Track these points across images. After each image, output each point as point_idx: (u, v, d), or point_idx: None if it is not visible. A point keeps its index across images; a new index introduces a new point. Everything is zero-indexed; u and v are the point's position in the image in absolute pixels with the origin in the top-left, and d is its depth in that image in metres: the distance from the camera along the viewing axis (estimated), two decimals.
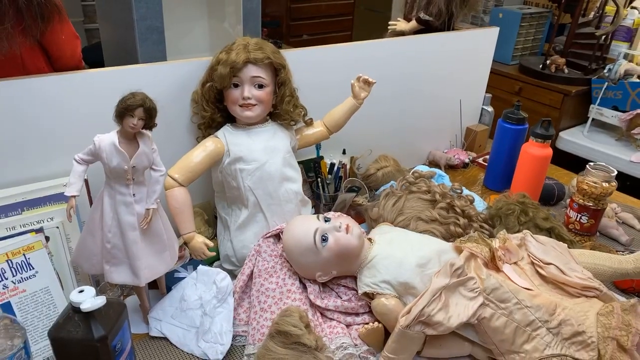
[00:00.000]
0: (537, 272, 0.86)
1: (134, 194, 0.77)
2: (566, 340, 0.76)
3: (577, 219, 1.17)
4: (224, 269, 1.00)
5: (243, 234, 0.96)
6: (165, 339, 0.86)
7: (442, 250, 0.84)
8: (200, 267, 0.92)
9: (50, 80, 0.85)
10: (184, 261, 1.00)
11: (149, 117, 0.74)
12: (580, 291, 0.83)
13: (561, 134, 2.18)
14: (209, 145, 0.93)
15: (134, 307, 0.91)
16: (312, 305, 0.82)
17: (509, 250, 0.87)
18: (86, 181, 0.89)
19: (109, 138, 0.73)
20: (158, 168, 0.79)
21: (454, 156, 1.55)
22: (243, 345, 0.84)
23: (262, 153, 0.94)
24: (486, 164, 1.50)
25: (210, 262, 1.04)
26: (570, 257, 0.88)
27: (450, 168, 1.56)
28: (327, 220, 0.84)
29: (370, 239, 0.88)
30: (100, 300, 0.64)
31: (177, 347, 0.85)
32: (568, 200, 1.32)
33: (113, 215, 0.77)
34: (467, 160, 1.57)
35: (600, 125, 2.19)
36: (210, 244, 0.91)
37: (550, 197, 1.34)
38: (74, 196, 0.75)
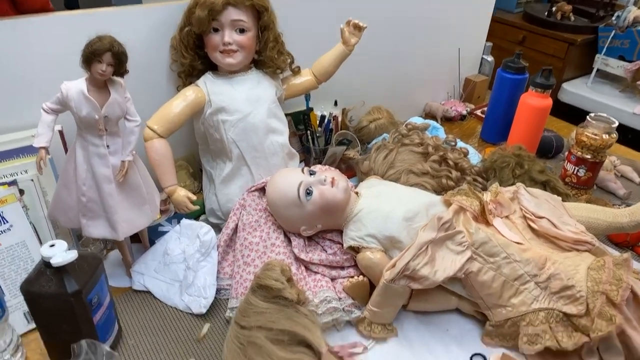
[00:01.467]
0: (529, 225, 0.83)
1: (108, 145, 0.74)
2: (554, 294, 0.74)
3: (575, 172, 1.14)
4: (210, 223, 0.98)
5: (228, 188, 0.93)
6: (149, 292, 0.85)
7: (430, 203, 0.81)
8: (184, 221, 0.89)
9: (14, 23, 0.80)
10: (168, 215, 0.98)
11: (119, 62, 0.69)
12: (572, 245, 0.80)
13: (564, 85, 2.11)
14: (189, 95, 0.89)
15: (117, 260, 0.89)
16: (297, 259, 0.80)
17: (500, 204, 0.84)
18: (61, 132, 0.85)
19: (76, 86, 0.69)
20: (132, 118, 0.75)
21: (451, 108, 1.50)
22: (227, 299, 0.83)
23: (245, 103, 0.90)
24: (484, 116, 1.45)
25: (196, 216, 1.02)
26: (564, 210, 0.85)
27: (447, 120, 1.51)
28: (312, 173, 0.81)
29: (357, 193, 0.85)
30: (72, 255, 0.62)
31: (160, 301, 0.84)
32: (566, 153, 1.29)
33: (87, 167, 0.74)
34: (464, 113, 1.52)
35: (605, 77, 2.11)
36: (193, 197, 0.88)
37: (548, 149, 1.31)
38: (44, 147, 0.71)
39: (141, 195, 0.80)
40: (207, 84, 0.90)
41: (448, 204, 0.80)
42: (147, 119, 0.87)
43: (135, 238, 0.90)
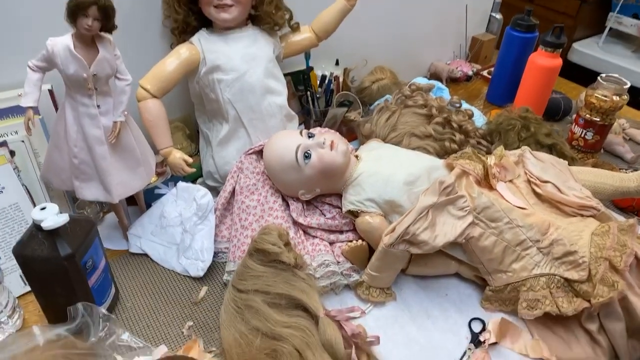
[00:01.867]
0: (533, 190, 0.81)
1: (98, 105, 0.71)
2: (556, 259, 0.73)
3: (582, 135, 1.11)
4: (207, 186, 0.96)
5: (225, 150, 0.91)
6: (146, 255, 0.84)
7: (432, 167, 0.79)
8: (180, 184, 0.88)
9: None
10: (165, 177, 0.96)
11: (106, 17, 0.65)
12: (576, 210, 0.78)
13: (574, 45, 2.04)
14: (182, 53, 0.85)
15: (114, 223, 0.89)
16: (295, 223, 0.79)
17: (504, 168, 0.81)
18: (50, 91, 0.82)
19: (62, 42, 0.66)
20: (123, 77, 0.72)
21: (457, 68, 1.45)
22: (225, 262, 0.82)
23: (241, 62, 0.86)
24: (490, 77, 1.40)
25: (193, 179, 1.00)
26: (570, 174, 0.83)
27: (452, 81, 1.47)
28: (310, 136, 0.78)
29: (357, 156, 0.82)
30: (63, 218, 0.61)
31: (158, 264, 0.83)
32: (574, 116, 1.25)
33: (77, 128, 0.71)
34: (470, 73, 1.47)
35: (617, 36, 2.04)
36: (189, 159, 0.86)
37: (556, 111, 1.27)
38: (31, 107, 0.69)
39: (135, 157, 0.78)
40: (202, 41, 0.86)
41: (450, 167, 0.78)
42: (140, 78, 0.84)
43: (131, 201, 0.88)
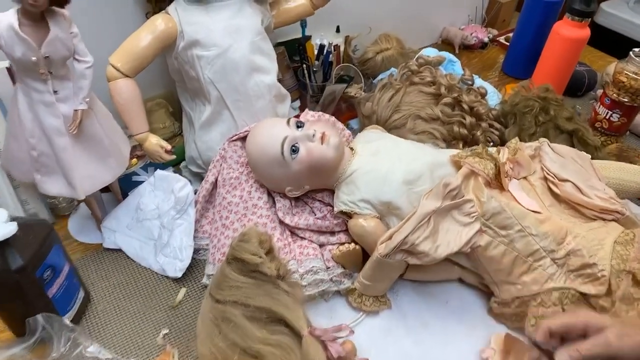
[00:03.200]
0: (550, 189, 0.72)
1: (55, 91, 0.62)
2: (572, 272, 0.65)
3: (607, 117, 1.00)
4: (190, 172, 0.89)
5: (208, 134, 0.82)
6: (122, 251, 0.78)
7: (436, 163, 0.69)
8: (158, 172, 0.80)
9: None
10: (145, 161, 0.88)
11: None
12: (597, 214, 0.70)
13: (602, 5, 1.86)
14: (158, 25, 0.74)
15: (88, 213, 0.81)
16: (281, 222, 0.71)
17: (519, 163, 0.72)
18: (9, 69, 0.73)
19: (5, 20, 0.56)
20: (82, 58, 0.63)
21: (471, 34, 1.32)
22: (206, 260, 0.76)
23: (223, 35, 0.76)
24: (508, 44, 1.27)
25: (176, 163, 0.92)
26: (593, 171, 0.74)
27: (465, 48, 1.34)
28: (299, 125, 0.69)
29: (352, 149, 0.73)
30: (10, 228, 0.53)
31: (133, 261, 0.77)
32: (599, 92, 1.13)
33: (32, 117, 0.63)
34: (486, 40, 1.34)
35: None
36: (167, 146, 0.77)
37: (579, 86, 1.15)
38: None
39: (103, 147, 0.70)
40: (179, 10, 0.75)
41: (457, 165, 0.69)
42: (111, 54, 0.74)
43: (107, 188, 0.81)
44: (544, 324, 0.56)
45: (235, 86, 0.78)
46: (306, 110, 0.80)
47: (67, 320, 0.62)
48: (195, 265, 0.76)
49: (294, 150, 0.67)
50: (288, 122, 0.69)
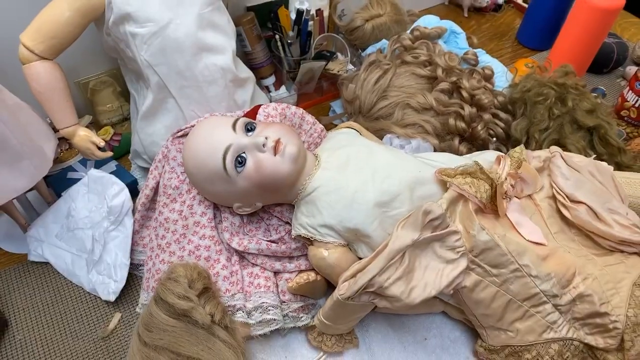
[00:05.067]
0: (559, 210, 0.58)
1: None
2: (578, 320, 0.53)
3: (636, 104, 0.85)
4: (137, 167, 0.76)
5: (151, 126, 0.69)
6: (50, 264, 0.67)
7: (418, 180, 0.55)
8: (92, 172, 0.67)
9: None
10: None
11: None
12: (616, 245, 0.57)
13: None
14: None
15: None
16: (229, 246, 0.59)
17: (522, 179, 0.58)
18: None
19: None
20: None
21: None
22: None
23: (160, 8, 0.61)
24: (526, 7, 1.09)
25: (123, 154, 0.79)
26: (615, 189, 0.60)
27: (476, 11, 1.16)
28: (249, 129, 0.55)
29: (316, 156, 0.59)
30: None
31: (63, 277, 0.66)
32: (629, 69, 0.97)
33: None
34: (500, 1, 1.15)
35: None
36: (100, 142, 0.65)
37: (605, 62, 0.98)
38: None
39: (11, 149, 0.57)
40: None
41: (444, 184, 0.55)
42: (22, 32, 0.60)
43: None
44: None
45: (179, 70, 0.64)
46: (266, 104, 0.65)
47: None
48: (134, 285, 0.65)
49: (240, 162, 0.54)
50: (235, 124, 0.55)
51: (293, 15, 0.86)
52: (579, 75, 0.88)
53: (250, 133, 0.55)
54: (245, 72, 0.72)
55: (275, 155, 0.53)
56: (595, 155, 0.66)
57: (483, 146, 0.76)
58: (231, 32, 0.68)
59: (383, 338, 0.60)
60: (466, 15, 1.15)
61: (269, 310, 0.56)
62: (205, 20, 0.63)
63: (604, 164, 0.61)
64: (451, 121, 0.73)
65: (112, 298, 0.62)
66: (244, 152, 0.54)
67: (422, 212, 0.51)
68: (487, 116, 0.75)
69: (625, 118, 0.87)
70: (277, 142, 0.54)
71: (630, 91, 0.85)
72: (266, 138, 0.54)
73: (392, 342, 0.60)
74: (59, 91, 0.62)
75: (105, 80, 0.80)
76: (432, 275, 0.51)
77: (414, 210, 0.52)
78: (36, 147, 0.60)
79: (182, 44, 0.62)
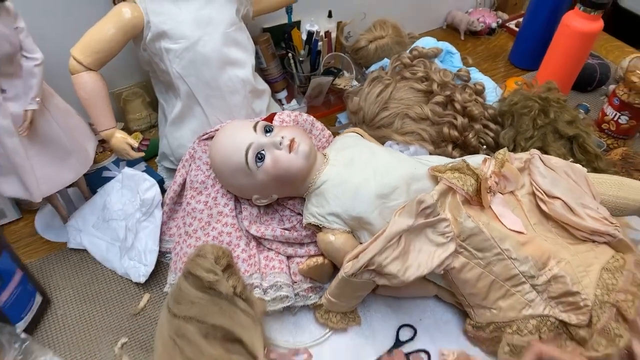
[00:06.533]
0: (538, 205, 0.66)
1: (2, 90, 0.58)
2: (553, 299, 0.60)
3: (615, 118, 0.93)
4: (163, 168, 0.85)
5: (179, 130, 0.78)
6: (87, 251, 0.75)
7: (413, 177, 0.64)
8: (126, 171, 0.76)
9: None
10: (116, 156, 0.85)
11: None
12: (588, 235, 0.64)
13: None
14: (124, 14, 0.69)
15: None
16: (247, 232, 0.67)
17: (505, 177, 0.66)
18: None
19: None
20: (30, 55, 0.59)
21: (478, 20, 1.23)
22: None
23: (192, 27, 0.70)
24: (518, 30, 1.19)
25: (150, 157, 0.88)
26: (587, 187, 0.68)
27: (471, 35, 1.26)
28: (268, 130, 0.64)
29: (325, 155, 0.68)
30: None
31: (99, 263, 0.74)
32: (611, 87, 1.05)
33: None
34: (494, 25, 1.26)
35: None
36: (134, 142, 0.73)
37: (589, 81, 1.07)
38: None
39: (62, 146, 0.66)
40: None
41: (436, 179, 0.63)
42: (73, 46, 0.69)
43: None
44: (535, 347, 0.54)
45: (206, 81, 0.73)
46: (281, 111, 0.74)
47: (19, 329, 0.60)
48: (161, 270, 0.73)
49: (260, 158, 0.62)
50: (255, 126, 0.64)
51: (304, 36, 0.96)
52: (564, 92, 0.97)
53: (268, 134, 0.64)
54: (262, 85, 0.82)
55: (290, 152, 0.62)
56: (572, 159, 0.74)
57: (474, 153, 0.84)
58: (251, 48, 0.78)
59: (382, 317, 0.68)
60: (462, 38, 1.24)
61: (282, 288, 0.64)
62: (229, 38, 0.73)
63: (578, 165, 0.69)
64: (445, 130, 0.82)
65: (142, 280, 0.70)
66: (264, 150, 0.63)
67: (416, 202, 0.59)
68: (477, 126, 0.84)
69: (606, 131, 0.95)
70: (292, 141, 0.63)
71: (610, 106, 0.93)
72: (282, 138, 0.63)
73: (391, 321, 0.68)
74: (101, 98, 0.71)
75: (136, 91, 0.90)
76: (424, 257, 0.59)
77: (408, 203, 0.61)
78: (81, 146, 0.70)
79: (209, 58, 0.72)
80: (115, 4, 0.75)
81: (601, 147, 0.93)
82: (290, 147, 0.62)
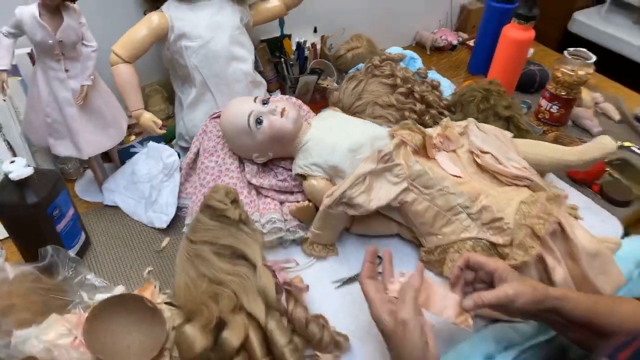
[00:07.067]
0: (474, 160, 0.86)
1: (67, 70, 0.78)
2: (484, 225, 0.78)
3: (548, 108, 1.14)
4: (179, 147, 1.04)
5: (193, 113, 0.98)
6: (119, 207, 0.93)
7: (377, 136, 0.84)
8: (151, 144, 0.95)
9: None
10: (141, 137, 1.04)
11: None
12: (512, 180, 0.83)
13: (575, 14, 1.99)
14: (153, 20, 0.90)
15: (93, 178, 0.97)
16: (249, 183, 0.86)
17: (448, 138, 0.86)
18: (30, 54, 0.89)
19: (29, 10, 0.72)
20: (89, 43, 0.78)
21: (441, 37, 1.46)
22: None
23: (206, 29, 0.91)
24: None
25: (168, 140, 1.07)
26: (512, 146, 0.87)
27: (436, 50, 1.48)
28: (265, 103, 0.84)
29: (310, 124, 0.88)
30: (28, 170, 0.69)
31: (128, 216, 0.92)
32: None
33: (49, 90, 0.79)
34: (455, 42, 1.49)
35: (622, 6, 1.98)
36: (159, 121, 0.93)
37: (531, 83, 1.29)
38: (4, 70, 0.76)
39: (104, 118, 0.85)
40: (170, 9, 0.91)
41: (393, 137, 0.83)
42: (114, 44, 0.90)
43: (108, 158, 0.96)
44: (465, 255, 0.69)
45: (216, 72, 0.94)
46: (276, 93, 0.95)
47: (71, 253, 0.77)
48: (178, 220, 0.91)
49: (259, 122, 0.82)
50: (255, 99, 0.84)
51: (294, 46, 1.17)
52: (509, 92, 1.18)
53: (265, 105, 0.84)
54: (260, 78, 1.03)
55: (282, 117, 0.82)
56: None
57: None
58: (251, 48, 0.99)
59: (355, 250, 0.86)
60: (429, 52, 1.47)
61: (276, 222, 0.82)
62: (234, 39, 0.94)
63: (506, 131, 0.89)
64: (407, 114, 1.02)
65: (164, 226, 0.88)
66: (262, 116, 0.82)
67: (377, 151, 0.78)
68: (433, 111, 1.04)
69: (542, 119, 1.16)
70: (283, 109, 0.82)
71: (543, 99, 1.14)
72: (276, 107, 0.82)
73: (361, 252, 0.83)
74: (133, 84, 0.91)
75: (156, 88, 1.10)
76: (384, 192, 0.78)
77: (371, 153, 0.80)
78: (117, 121, 0.89)
79: (219, 54, 0.93)
80: (145, 14, 0.96)
81: (537, 133, 1.13)
82: (282, 114, 0.82)
